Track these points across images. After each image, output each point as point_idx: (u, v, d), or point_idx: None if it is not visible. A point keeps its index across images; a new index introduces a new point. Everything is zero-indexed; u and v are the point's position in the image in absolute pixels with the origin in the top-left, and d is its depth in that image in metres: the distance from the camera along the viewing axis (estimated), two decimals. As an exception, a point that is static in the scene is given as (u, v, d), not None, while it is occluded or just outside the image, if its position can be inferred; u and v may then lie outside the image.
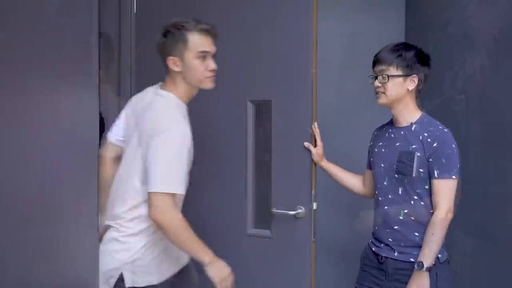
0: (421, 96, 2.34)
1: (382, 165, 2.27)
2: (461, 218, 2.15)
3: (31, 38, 2.22)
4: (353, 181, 2.50)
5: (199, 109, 2.66)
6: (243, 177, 2.50)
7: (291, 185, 2.39)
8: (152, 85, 2.85)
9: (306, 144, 2.38)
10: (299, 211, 2.35)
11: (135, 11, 2.85)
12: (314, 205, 2.35)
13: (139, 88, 2.86)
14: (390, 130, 2.31)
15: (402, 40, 3.24)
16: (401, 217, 2.19)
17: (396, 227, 2.20)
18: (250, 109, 2.49)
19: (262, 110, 2.50)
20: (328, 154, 2.77)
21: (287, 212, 2.35)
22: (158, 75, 2.77)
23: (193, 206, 2.68)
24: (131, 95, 2.88)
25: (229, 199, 2.55)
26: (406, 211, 2.19)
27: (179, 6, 2.69)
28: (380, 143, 2.33)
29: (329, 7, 3.35)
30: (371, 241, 2.33)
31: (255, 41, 2.47)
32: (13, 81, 2.20)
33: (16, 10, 2.19)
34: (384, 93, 2.19)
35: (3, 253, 2.19)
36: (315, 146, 2.41)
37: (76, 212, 2.29)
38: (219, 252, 2.59)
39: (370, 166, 2.41)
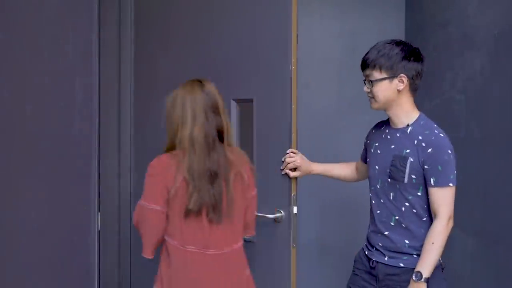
0: (421, 96, 2.32)
1: (376, 167, 2.18)
2: (461, 218, 2.13)
3: (31, 38, 2.22)
4: (345, 172, 2.45)
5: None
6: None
7: (271, 188, 2.29)
8: (152, 85, 2.86)
9: (287, 172, 2.25)
10: (278, 215, 2.24)
11: (134, 11, 2.85)
12: (295, 209, 2.23)
13: (139, 88, 2.87)
14: (387, 131, 2.20)
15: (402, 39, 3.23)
16: (391, 223, 2.12)
17: (386, 233, 2.13)
18: (235, 108, 2.42)
19: (248, 109, 2.43)
20: (328, 154, 2.77)
21: (266, 215, 2.25)
22: (158, 75, 2.78)
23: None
24: (131, 95, 2.89)
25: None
26: (397, 217, 2.10)
27: (178, 7, 2.69)
28: (376, 144, 2.23)
29: (329, 7, 3.35)
30: (365, 244, 2.27)
31: (238, 39, 2.41)
32: (13, 80, 2.20)
33: (16, 10, 2.19)
34: (373, 98, 2.11)
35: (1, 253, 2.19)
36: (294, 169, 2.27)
37: (75, 212, 2.29)
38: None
39: (364, 159, 2.35)
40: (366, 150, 2.33)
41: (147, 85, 2.82)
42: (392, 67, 2.07)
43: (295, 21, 2.21)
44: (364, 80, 2.14)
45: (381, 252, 2.15)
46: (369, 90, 2.12)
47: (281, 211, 2.25)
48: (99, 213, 2.48)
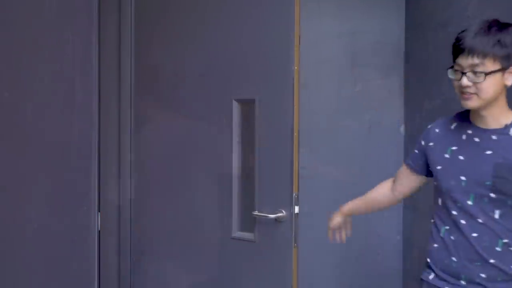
0: (421, 96, 2.30)
1: (463, 178, 1.75)
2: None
3: (31, 38, 2.22)
4: (382, 200, 2.15)
5: (183, 109, 2.65)
6: (228, 178, 2.46)
7: (272, 187, 2.30)
8: (152, 85, 2.86)
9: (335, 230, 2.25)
10: (280, 214, 2.26)
11: (134, 11, 2.86)
12: (296, 209, 2.24)
13: (139, 88, 2.87)
14: (470, 132, 1.77)
15: (402, 41, 3.23)
16: (498, 248, 1.72)
17: (492, 261, 1.73)
18: (236, 108, 2.44)
19: (249, 109, 2.44)
20: (328, 155, 2.76)
21: (268, 215, 2.27)
22: (158, 75, 2.78)
23: (178, 208, 2.66)
24: (131, 95, 2.89)
25: (214, 201, 2.49)
26: (506, 240, 1.72)
27: (179, 6, 2.70)
28: (454, 148, 1.80)
29: (329, 7, 3.35)
30: (435, 276, 1.86)
31: (239, 38, 2.42)
32: (13, 80, 2.20)
33: (16, 10, 2.19)
34: (476, 94, 1.67)
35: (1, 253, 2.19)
36: None
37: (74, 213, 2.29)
38: (204, 255, 2.56)
39: (418, 168, 1.95)
40: (423, 155, 1.91)
41: (147, 84, 2.82)
42: (509, 57, 1.67)
43: (297, 21, 2.23)
44: (462, 72, 1.74)
45: (484, 285, 1.76)
46: (471, 84, 1.68)
47: (283, 210, 2.26)
48: (99, 213, 2.48)
